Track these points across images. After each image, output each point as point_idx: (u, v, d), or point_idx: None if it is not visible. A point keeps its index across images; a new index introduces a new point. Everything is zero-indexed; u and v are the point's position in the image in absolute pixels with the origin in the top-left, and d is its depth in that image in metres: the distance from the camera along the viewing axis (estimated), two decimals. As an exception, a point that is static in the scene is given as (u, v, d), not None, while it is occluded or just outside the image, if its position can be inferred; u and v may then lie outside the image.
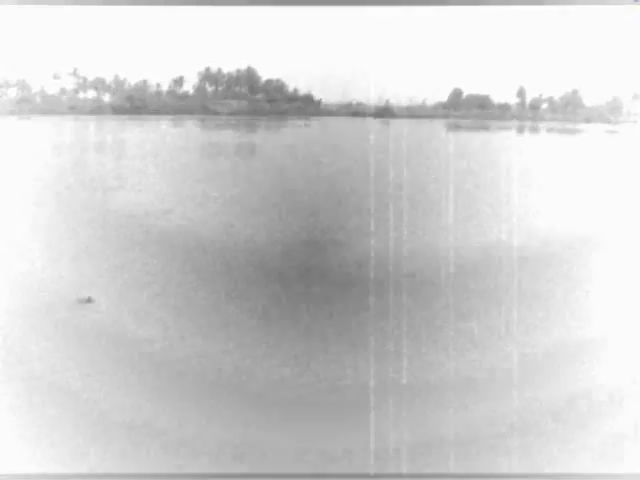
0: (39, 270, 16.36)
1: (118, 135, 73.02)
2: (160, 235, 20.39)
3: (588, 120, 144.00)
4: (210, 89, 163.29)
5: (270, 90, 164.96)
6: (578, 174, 42.33)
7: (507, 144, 73.90)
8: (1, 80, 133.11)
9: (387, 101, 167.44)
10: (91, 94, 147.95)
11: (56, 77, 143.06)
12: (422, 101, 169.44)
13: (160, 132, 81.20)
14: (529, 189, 32.61)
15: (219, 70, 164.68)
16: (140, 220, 22.62)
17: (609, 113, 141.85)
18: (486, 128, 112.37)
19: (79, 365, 10.79)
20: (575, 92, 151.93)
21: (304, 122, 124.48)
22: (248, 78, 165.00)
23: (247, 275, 16.26)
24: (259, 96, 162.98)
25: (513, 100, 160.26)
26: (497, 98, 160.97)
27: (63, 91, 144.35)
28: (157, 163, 42.10)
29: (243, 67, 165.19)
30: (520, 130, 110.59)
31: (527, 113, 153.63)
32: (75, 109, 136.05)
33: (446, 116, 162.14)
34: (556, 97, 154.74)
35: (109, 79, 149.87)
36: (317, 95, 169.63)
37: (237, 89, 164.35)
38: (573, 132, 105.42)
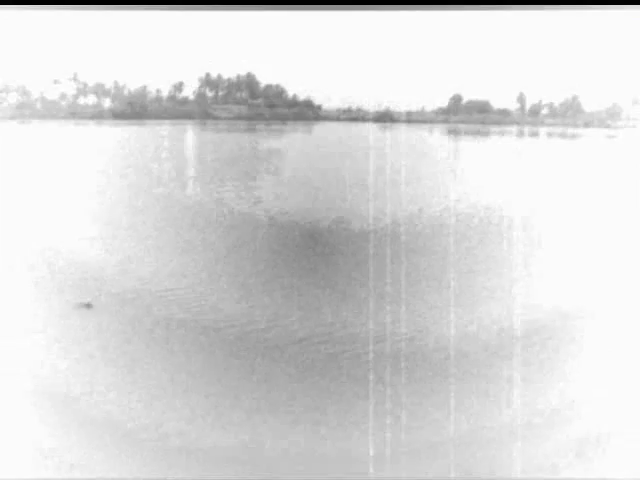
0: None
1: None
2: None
3: (587, 125, 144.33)
4: (210, 94, 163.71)
5: (270, 95, 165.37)
6: (578, 178, 42.35)
7: (507, 149, 73.98)
8: (1, 85, 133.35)
9: (387, 106, 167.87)
10: (91, 99, 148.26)
11: (56, 82, 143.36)
12: (422, 106, 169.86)
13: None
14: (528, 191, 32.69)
15: (219, 75, 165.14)
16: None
17: (608, 118, 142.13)
18: (486, 133, 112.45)
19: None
20: (575, 97, 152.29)
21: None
22: (248, 83, 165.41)
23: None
24: (259, 101, 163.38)
25: (513, 105, 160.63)
26: (497, 103, 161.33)
27: (63, 96, 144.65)
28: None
29: (243, 72, 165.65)
30: (520, 135, 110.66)
31: (527, 118, 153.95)
32: (76, 114, 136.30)
33: (446, 121, 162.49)
34: (556, 102, 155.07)
35: (109, 84, 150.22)
36: (317, 100, 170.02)
37: (237, 94, 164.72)
38: (573, 137, 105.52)
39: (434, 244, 20.56)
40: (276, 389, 10.43)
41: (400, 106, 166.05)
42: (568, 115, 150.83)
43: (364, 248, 19.89)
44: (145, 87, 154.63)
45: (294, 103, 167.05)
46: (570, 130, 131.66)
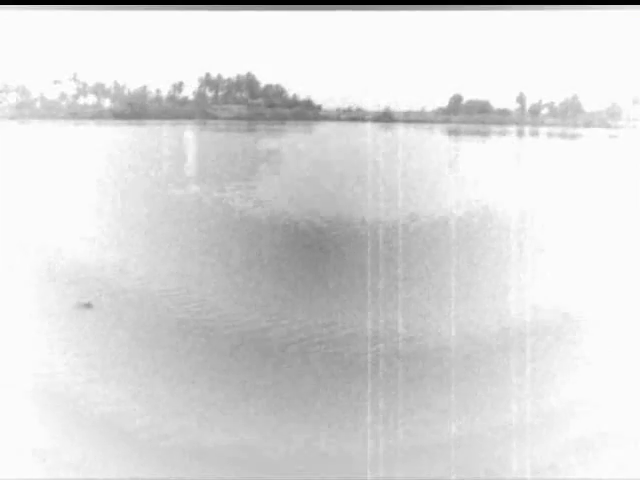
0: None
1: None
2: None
3: (588, 125, 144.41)
4: (210, 94, 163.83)
5: (270, 95, 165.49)
6: (579, 178, 42.35)
7: (508, 149, 74.01)
8: (1, 85, 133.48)
9: (387, 106, 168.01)
10: (91, 99, 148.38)
11: (56, 82, 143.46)
12: (422, 106, 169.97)
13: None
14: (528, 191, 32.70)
15: (219, 75, 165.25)
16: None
17: (609, 118, 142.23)
18: (486, 134, 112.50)
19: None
20: (575, 97, 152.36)
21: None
22: (248, 83, 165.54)
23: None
24: (259, 101, 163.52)
25: (513, 105, 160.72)
26: (497, 103, 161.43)
27: (63, 96, 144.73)
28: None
29: (243, 72, 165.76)
30: (520, 135, 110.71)
31: (527, 118, 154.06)
32: (75, 114, 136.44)
33: (446, 121, 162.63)
34: (556, 102, 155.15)
35: (109, 84, 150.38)
36: (317, 100, 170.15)
37: (237, 94, 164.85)
38: (573, 137, 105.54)
39: (434, 244, 20.54)
40: (276, 389, 10.41)
41: (400, 106, 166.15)
42: (568, 115, 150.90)
43: (364, 248, 19.86)
44: (145, 87, 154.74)
45: (294, 103, 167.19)
46: (570, 130, 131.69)
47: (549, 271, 17.81)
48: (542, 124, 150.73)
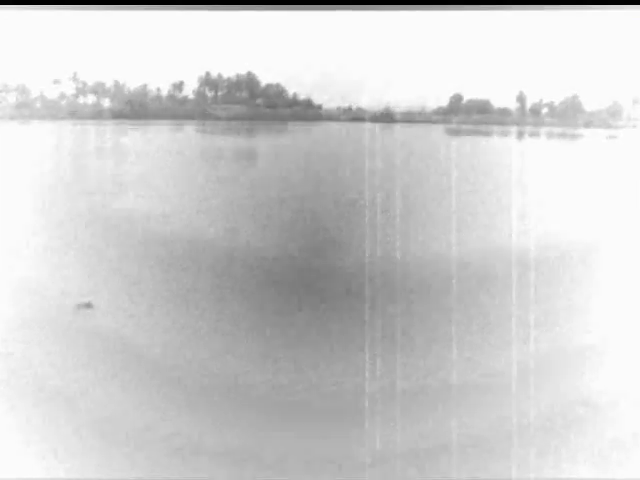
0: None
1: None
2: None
3: (588, 125, 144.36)
4: (210, 94, 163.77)
5: (270, 95, 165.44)
6: (580, 178, 42.34)
7: (508, 149, 74.05)
8: (1, 85, 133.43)
9: (387, 106, 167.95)
10: (91, 99, 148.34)
11: (56, 82, 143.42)
12: (422, 106, 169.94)
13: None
14: (528, 193, 32.64)
15: (219, 75, 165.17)
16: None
17: (609, 118, 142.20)
18: (486, 133, 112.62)
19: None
20: (575, 97, 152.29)
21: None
22: (248, 83, 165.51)
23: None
24: (259, 101, 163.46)
25: (513, 105, 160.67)
26: (497, 103, 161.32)
27: (63, 96, 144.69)
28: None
29: (243, 72, 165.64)
30: (520, 135, 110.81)
31: (527, 118, 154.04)
32: (75, 114, 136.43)
33: (446, 121, 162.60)
34: (556, 102, 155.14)
35: (109, 84, 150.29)
36: (317, 100, 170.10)
37: (237, 94, 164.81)
38: (574, 137, 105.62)
39: (434, 244, 20.51)
40: (277, 387, 10.36)
41: (400, 106, 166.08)
42: (569, 115, 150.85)
43: (365, 247, 19.83)
44: (145, 86, 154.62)
45: (294, 103, 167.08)
46: (571, 130, 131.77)
47: (549, 270, 17.79)
48: (542, 124, 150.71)
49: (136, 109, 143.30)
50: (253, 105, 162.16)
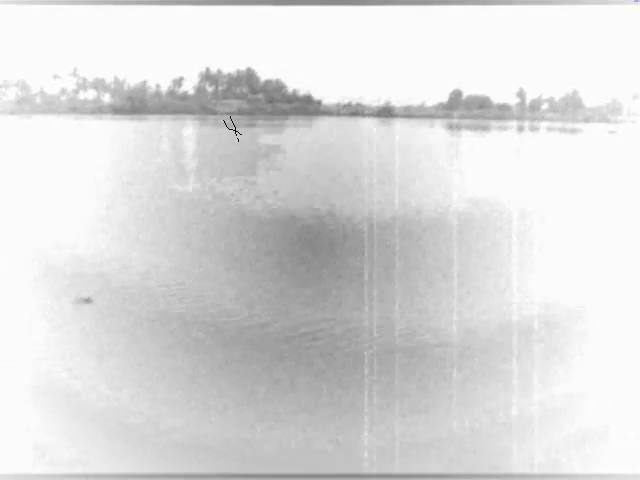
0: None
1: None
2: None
3: (588, 120, 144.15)
4: (210, 89, 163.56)
5: (270, 90, 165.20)
6: (579, 173, 42.32)
7: (508, 144, 73.92)
8: (1, 80, 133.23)
9: (387, 101, 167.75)
10: (91, 94, 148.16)
11: (56, 77, 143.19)
12: (422, 101, 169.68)
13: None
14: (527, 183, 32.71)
15: (219, 70, 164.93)
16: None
17: (609, 113, 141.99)
18: (486, 128, 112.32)
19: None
20: (575, 92, 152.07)
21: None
22: (248, 78, 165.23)
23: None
24: (259, 96, 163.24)
25: (513, 100, 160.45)
26: (497, 98, 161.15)
27: (63, 91, 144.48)
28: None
29: (243, 67, 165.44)
30: (520, 130, 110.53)
31: (527, 113, 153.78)
32: (75, 109, 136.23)
33: (446, 116, 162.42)
34: (556, 97, 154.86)
35: (109, 79, 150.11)
36: (317, 95, 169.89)
37: (237, 89, 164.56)
38: (573, 132, 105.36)
39: (434, 239, 20.56)
40: (276, 384, 10.44)
41: (400, 101, 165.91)
42: (568, 110, 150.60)
43: (364, 243, 19.89)
44: (145, 82, 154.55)
45: (294, 98, 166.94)
46: (570, 125, 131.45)
47: (549, 265, 17.84)
48: (542, 119, 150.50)
49: (136, 105, 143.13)
50: (253, 100, 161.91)
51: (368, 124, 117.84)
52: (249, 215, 24.31)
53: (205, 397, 9.95)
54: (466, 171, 41.40)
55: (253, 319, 13.20)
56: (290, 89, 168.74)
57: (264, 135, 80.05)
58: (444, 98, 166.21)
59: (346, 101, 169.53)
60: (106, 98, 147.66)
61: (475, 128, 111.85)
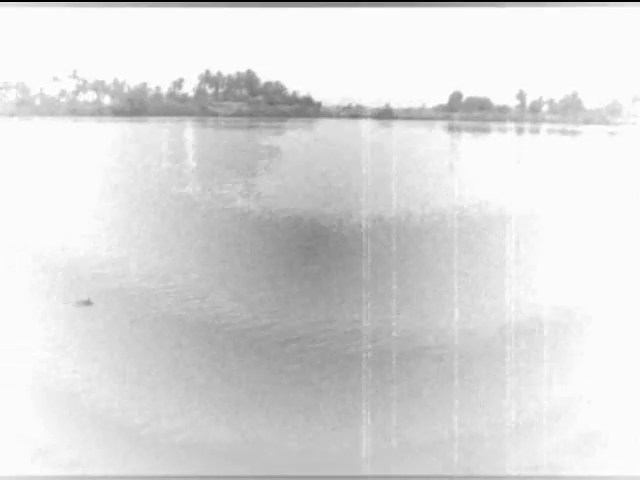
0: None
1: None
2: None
3: (588, 122, 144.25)
4: (210, 91, 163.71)
5: (270, 92, 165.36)
6: (580, 175, 42.34)
7: (508, 146, 73.96)
8: (1, 82, 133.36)
9: (387, 103, 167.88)
10: (91, 96, 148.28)
11: (56, 79, 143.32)
12: (422, 103, 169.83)
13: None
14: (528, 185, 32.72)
15: (219, 72, 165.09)
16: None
17: (609, 115, 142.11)
18: (486, 130, 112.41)
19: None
20: (575, 94, 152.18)
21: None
22: (248, 80, 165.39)
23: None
24: (259, 98, 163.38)
25: (513, 102, 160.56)
26: (497, 100, 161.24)
27: (63, 93, 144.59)
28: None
29: (243, 69, 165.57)
30: (520, 132, 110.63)
31: (527, 115, 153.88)
32: (75, 111, 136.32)
33: (446, 118, 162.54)
34: (556, 99, 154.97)
35: (109, 81, 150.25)
36: (317, 97, 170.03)
37: (237, 91, 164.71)
38: (573, 134, 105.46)
39: (434, 241, 20.54)
40: (276, 385, 10.41)
41: (400, 103, 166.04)
42: (568, 112, 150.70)
43: (364, 245, 19.86)
44: (145, 84, 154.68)
45: (294, 100, 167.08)
46: (570, 127, 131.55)
47: (550, 267, 17.81)
48: (542, 121, 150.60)
49: (136, 106, 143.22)
50: (253, 102, 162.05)
51: (368, 126, 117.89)
52: (248, 216, 24.32)
53: (204, 398, 9.93)
54: (467, 173, 41.39)
55: (252, 321, 13.16)
56: (290, 91, 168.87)
57: (264, 137, 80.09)
58: (444, 100, 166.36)
59: (346, 103, 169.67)
60: (106, 100, 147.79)
61: (475, 130, 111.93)
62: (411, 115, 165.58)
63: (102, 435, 8.86)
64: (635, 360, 11.73)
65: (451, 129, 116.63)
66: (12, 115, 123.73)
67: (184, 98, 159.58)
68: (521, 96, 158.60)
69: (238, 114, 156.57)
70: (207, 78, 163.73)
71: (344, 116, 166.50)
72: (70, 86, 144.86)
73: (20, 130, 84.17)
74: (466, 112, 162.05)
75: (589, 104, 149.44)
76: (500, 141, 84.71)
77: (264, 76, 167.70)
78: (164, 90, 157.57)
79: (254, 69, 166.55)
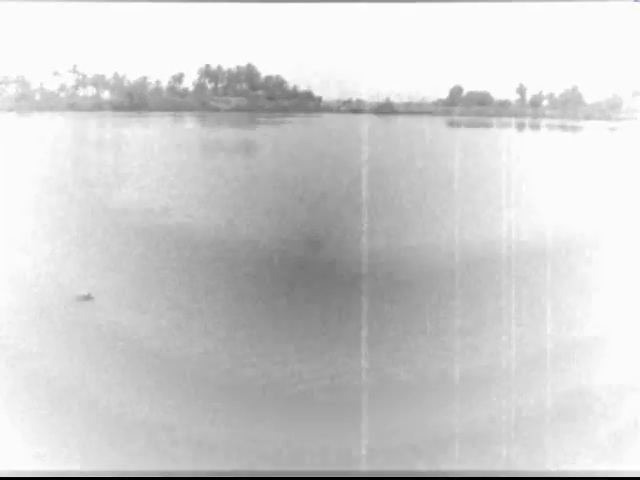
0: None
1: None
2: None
3: (588, 117, 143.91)
4: (210, 86, 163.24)
5: (270, 87, 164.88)
6: (580, 169, 42.30)
7: (509, 141, 73.90)
8: (0, 77, 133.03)
9: (387, 98, 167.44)
10: (91, 91, 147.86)
11: (56, 74, 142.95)
12: (422, 98, 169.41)
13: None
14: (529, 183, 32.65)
15: (219, 67, 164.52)
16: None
17: (609, 110, 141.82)
18: (486, 125, 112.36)
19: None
20: (575, 89, 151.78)
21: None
22: (248, 75, 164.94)
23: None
24: (259, 93, 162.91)
25: (513, 97, 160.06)
26: (497, 95, 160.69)
27: (62, 88, 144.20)
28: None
29: (243, 64, 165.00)
30: (521, 127, 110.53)
31: (527, 110, 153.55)
32: (75, 106, 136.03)
33: (446, 113, 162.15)
34: (556, 94, 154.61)
35: (109, 76, 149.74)
36: (317, 92, 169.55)
37: (237, 86, 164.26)
38: (574, 129, 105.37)
39: (434, 238, 20.55)
40: (276, 384, 10.43)
41: (400, 97, 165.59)
42: (569, 107, 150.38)
43: (364, 244, 19.88)
44: (145, 78, 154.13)
45: (294, 94, 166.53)
46: (571, 122, 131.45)
47: (550, 266, 17.81)
48: (542, 115, 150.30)
49: (136, 101, 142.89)
50: (253, 97, 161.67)
51: (369, 120, 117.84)
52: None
53: (206, 394, 9.93)
54: (467, 168, 41.37)
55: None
56: (290, 85, 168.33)
57: (264, 131, 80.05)
58: (444, 94, 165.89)
59: (346, 97, 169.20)
60: (106, 95, 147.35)
61: (476, 124, 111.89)
62: (411, 109, 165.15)
63: (103, 431, 8.90)
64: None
65: (451, 124, 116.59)
66: (11, 110, 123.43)
67: (184, 93, 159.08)
68: (521, 90, 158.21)
69: (238, 109, 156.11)
70: (207, 72, 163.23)
71: (345, 110, 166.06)
72: (70, 81, 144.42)
73: (21, 124, 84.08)
74: (466, 106, 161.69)
75: (589, 98, 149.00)
76: (500, 135, 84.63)
77: (264, 70, 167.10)
78: (164, 85, 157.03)
79: (254, 63, 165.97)
